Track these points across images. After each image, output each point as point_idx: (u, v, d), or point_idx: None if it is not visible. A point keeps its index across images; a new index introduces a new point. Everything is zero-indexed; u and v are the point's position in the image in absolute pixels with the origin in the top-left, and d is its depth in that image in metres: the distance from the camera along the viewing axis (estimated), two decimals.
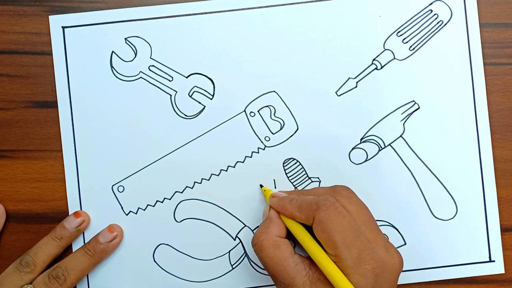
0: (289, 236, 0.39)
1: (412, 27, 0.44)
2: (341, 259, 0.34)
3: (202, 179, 0.44)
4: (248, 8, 0.44)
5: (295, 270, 0.36)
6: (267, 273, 0.44)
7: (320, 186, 0.44)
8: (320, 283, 0.35)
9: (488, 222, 0.44)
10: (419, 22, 0.44)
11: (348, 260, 0.34)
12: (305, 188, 0.44)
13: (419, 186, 0.44)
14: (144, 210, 0.44)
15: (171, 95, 0.44)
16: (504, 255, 0.44)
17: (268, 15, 0.44)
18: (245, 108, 0.44)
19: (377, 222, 0.39)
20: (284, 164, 0.44)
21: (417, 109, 0.44)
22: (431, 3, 0.44)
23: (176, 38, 0.44)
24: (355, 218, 0.36)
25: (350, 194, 0.38)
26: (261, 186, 0.43)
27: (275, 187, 0.44)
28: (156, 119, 0.44)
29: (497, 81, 0.45)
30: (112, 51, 0.44)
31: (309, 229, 0.38)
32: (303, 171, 0.44)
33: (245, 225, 0.44)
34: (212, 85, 0.44)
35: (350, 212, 0.36)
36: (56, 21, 0.44)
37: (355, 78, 0.44)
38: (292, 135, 0.44)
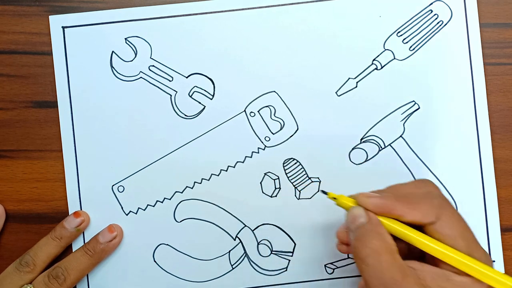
0: None
1: (412, 27, 0.44)
2: (474, 255, 0.32)
3: (202, 179, 0.44)
4: (248, 8, 0.44)
5: (415, 279, 0.31)
6: (266, 273, 0.44)
7: (321, 186, 0.44)
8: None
9: (488, 222, 0.44)
10: (419, 22, 0.44)
11: (482, 257, 0.32)
12: (305, 188, 0.44)
13: None
14: (144, 210, 0.44)
15: (171, 95, 0.44)
16: (504, 255, 0.44)
17: (268, 15, 0.44)
18: (245, 108, 0.44)
19: None
20: (284, 164, 0.44)
21: (417, 109, 0.44)
22: (431, 3, 0.44)
23: (176, 38, 0.44)
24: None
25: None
26: (324, 192, 0.37)
27: (275, 187, 0.44)
28: (156, 119, 0.44)
29: (497, 81, 0.45)
30: (112, 51, 0.44)
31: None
32: (303, 171, 0.44)
33: (245, 225, 0.44)
34: (212, 85, 0.44)
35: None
36: (56, 21, 0.44)
37: (355, 78, 0.44)
38: (292, 135, 0.44)
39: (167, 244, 0.44)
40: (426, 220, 0.33)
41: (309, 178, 0.44)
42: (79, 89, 0.44)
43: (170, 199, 0.44)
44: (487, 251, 0.44)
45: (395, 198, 0.34)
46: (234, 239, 0.44)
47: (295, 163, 0.44)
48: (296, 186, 0.44)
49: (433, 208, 0.33)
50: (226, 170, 0.44)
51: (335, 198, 0.36)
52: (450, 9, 0.44)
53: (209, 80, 0.44)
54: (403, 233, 0.33)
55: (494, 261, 0.44)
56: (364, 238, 0.32)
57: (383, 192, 0.35)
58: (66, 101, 0.44)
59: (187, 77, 0.44)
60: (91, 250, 0.42)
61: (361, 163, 0.44)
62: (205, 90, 0.44)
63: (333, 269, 0.44)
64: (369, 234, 0.32)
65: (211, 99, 0.44)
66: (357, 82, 0.44)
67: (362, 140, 0.44)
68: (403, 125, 0.44)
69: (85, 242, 0.43)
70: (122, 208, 0.44)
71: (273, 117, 0.44)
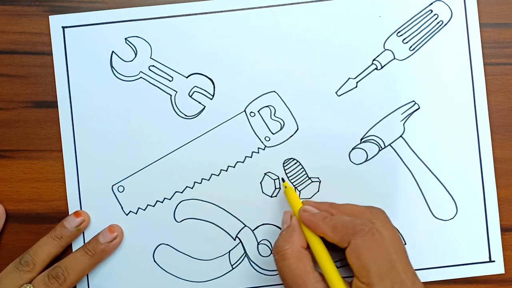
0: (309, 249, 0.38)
1: (412, 27, 0.44)
2: None
3: (202, 179, 0.44)
4: (248, 8, 0.44)
5: (314, 287, 0.35)
6: (266, 273, 0.44)
7: (321, 186, 0.44)
8: None
9: (488, 222, 0.44)
10: (419, 22, 0.44)
11: None
12: (305, 188, 0.44)
13: (419, 186, 0.44)
14: (144, 210, 0.44)
15: (171, 95, 0.44)
16: (504, 255, 0.44)
17: (268, 15, 0.44)
18: (245, 108, 0.44)
19: None
20: (284, 164, 0.44)
21: (417, 109, 0.44)
22: (431, 3, 0.44)
23: (176, 38, 0.44)
24: (388, 245, 0.36)
25: (386, 218, 0.38)
26: (283, 180, 0.43)
27: (275, 187, 0.44)
28: (156, 119, 0.44)
29: (497, 81, 0.45)
30: (112, 51, 0.44)
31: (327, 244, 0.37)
32: (303, 171, 0.44)
33: (245, 225, 0.44)
34: (212, 85, 0.44)
35: (384, 238, 0.36)
36: (56, 21, 0.44)
37: (355, 78, 0.44)
38: (292, 135, 0.44)
39: (167, 244, 0.44)
40: (341, 245, 0.36)
41: (309, 178, 0.44)
42: (79, 89, 0.44)
43: (170, 199, 0.44)
44: (487, 251, 0.44)
45: (323, 218, 0.37)
46: (234, 239, 0.44)
47: (295, 163, 0.44)
48: (296, 186, 0.44)
49: (346, 235, 0.35)
50: (226, 170, 0.44)
51: (286, 187, 0.41)
52: (450, 9, 0.44)
53: (209, 80, 0.44)
54: (314, 249, 0.37)
55: (494, 261, 0.44)
56: (278, 243, 0.37)
57: (326, 207, 0.39)
58: (66, 101, 0.44)
59: (187, 77, 0.44)
60: (91, 250, 0.42)
61: (361, 163, 0.44)
62: (205, 90, 0.44)
63: None
64: (281, 240, 0.37)
65: (211, 99, 0.44)
66: (357, 82, 0.44)
67: (362, 140, 0.44)
68: (403, 125, 0.44)
69: (85, 242, 0.43)
70: (122, 208, 0.44)
71: (273, 117, 0.44)
